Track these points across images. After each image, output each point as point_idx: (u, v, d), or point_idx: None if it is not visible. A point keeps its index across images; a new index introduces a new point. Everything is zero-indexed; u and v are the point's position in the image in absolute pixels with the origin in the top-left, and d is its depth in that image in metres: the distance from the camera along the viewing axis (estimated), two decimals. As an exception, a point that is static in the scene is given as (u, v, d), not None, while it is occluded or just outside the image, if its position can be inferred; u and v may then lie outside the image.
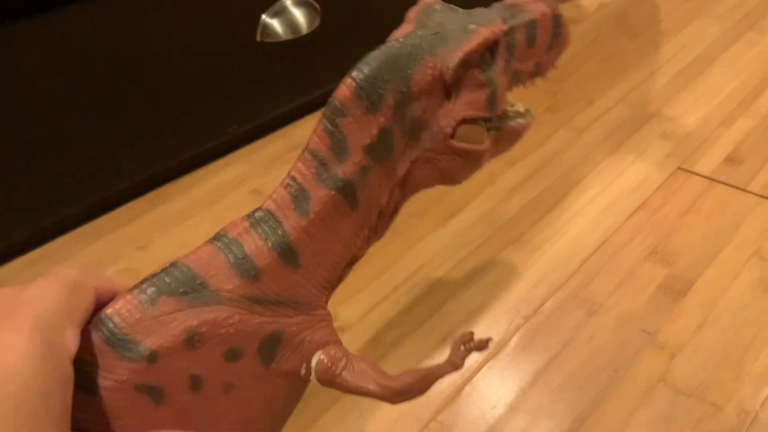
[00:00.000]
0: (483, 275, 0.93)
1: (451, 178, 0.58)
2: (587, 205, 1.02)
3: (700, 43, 1.37)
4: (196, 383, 0.47)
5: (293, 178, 0.51)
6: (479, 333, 0.85)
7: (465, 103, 0.54)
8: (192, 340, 0.46)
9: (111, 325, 0.45)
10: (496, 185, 1.07)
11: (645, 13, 1.48)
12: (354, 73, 0.50)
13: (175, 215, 1.08)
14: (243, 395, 0.50)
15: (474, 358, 0.82)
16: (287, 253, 0.49)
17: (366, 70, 0.50)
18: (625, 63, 1.33)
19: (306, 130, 1.23)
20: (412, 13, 0.57)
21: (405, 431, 0.76)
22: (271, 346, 0.50)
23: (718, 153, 1.09)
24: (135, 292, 0.46)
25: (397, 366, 0.82)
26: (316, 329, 0.52)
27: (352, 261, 0.56)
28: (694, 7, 1.48)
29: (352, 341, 0.85)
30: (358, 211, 0.52)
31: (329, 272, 0.53)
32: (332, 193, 0.50)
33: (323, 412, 0.78)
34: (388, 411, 0.78)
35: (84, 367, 0.44)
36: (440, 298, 0.90)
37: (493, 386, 0.79)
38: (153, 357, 0.45)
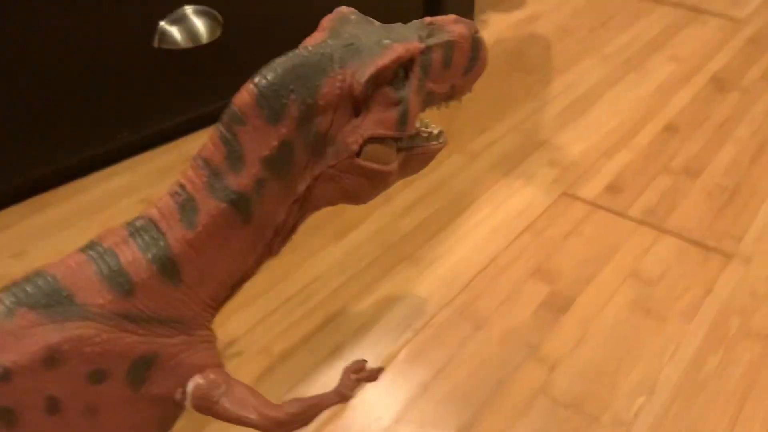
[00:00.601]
0: (375, 290, 0.93)
1: (355, 197, 0.55)
2: (477, 225, 1.05)
3: (587, 80, 1.45)
4: (54, 406, 0.43)
5: (182, 186, 0.47)
6: (369, 345, 0.85)
7: (374, 121, 0.51)
8: (52, 359, 0.42)
9: None
10: (390, 203, 1.08)
11: (538, 51, 1.56)
12: (256, 79, 0.47)
13: (55, 223, 1.03)
14: (107, 420, 0.46)
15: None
16: (168, 268, 0.46)
17: (270, 76, 0.47)
18: (518, 95, 1.39)
19: (201, 142, 1.20)
20: (326, 22, 0.54)
21: (288, 443, 0.74)
22: (142, 368, 0.46)
23: (600, 181, 1.15)
24: None
25: (285, 378, 0.81)
26: (196, 351, 0.49)
27: (242, 279, 0.52)
28: (584, 47, 1.57)
29: (240, 351, 0.83)
30: (251, 226, 0.48)
31: (215, 290, 0.49)
32: (223, 205, 0.46)
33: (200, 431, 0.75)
34: (272, 423, 0.76)
35: None
36: (332, 311, 0.90)
37: (380, 398, 0.79)
38: (6, 375, 0.41)
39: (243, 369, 0.82)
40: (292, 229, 0.53)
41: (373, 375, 0.58)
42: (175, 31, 1.09)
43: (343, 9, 0.55)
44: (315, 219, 1.01)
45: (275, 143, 0.47)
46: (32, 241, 1.00)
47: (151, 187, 1.11)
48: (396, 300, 0.92)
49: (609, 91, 1.42)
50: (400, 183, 1.12)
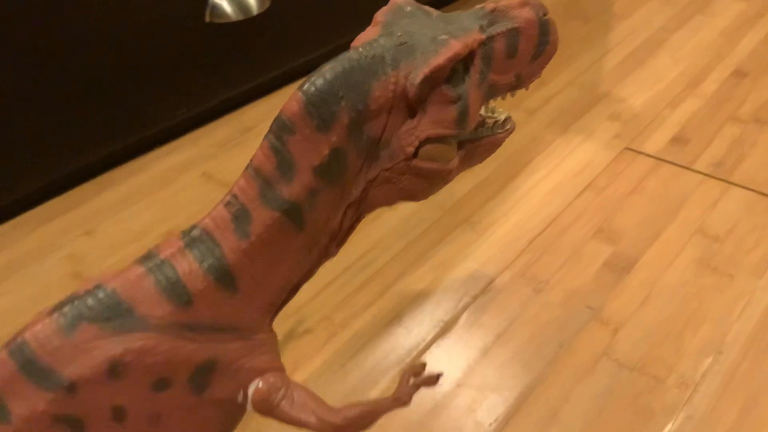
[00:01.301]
0: (432, 256, 0.93)
1: (414, 196, 0.53)
2: (535, 185, 1.03)
3: (649, 26, 1.39)
4: (120, 414, 0.45)
5: (234, 196, 0.46)
6: (429, 312, 0.86)
7: (431, 122, 0.49)
8: (115, 370, 0.44)
9: (28, 351, 0.42)
10: (446, 167, 1.07)
11: (596, -3, 1.50)
12: (305, 86, 0.45)
13: (122, 200, 1.06)
14: (172, 425, 0.47)
15: (422, 336, 0.83)
16: (224, 278, 0.46)
17: (318, 83, 0.45)
18: (575, 46, 1.35)
19: (258, 112, 1.22)
20: (380, 15, 0.51)
21: (353, 410, 0.76)
22: (204, 374, 0.47)
23: (664, 133, 1.11)
24: (55, 315, 0.43)
25: (347, 347, 0.82)
26: (256, 355, 0.50)
27: (300, 283, 0.52)
28: (644, -9, 1.50)
29: (303, 321, 0.85)
30: (305, 234, 0.48)
31: (272, 296, 0.50)
32: (276, 214, 0.46)
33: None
34: (336, 391, 0.78)
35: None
36: (390, 278, 0.90)
37: (440, 364, 0.80)
38: (72, 387, 0.43)
39: (306, 339, 0.84)
40: (348, 232, 0.53)
41: (432, 380, 0.58)
42: (225, 4, 1.09)
43: (399, 0, 0.51)
44: (371, 186, 1.01)
45: (326, 151, 0.46)
46: (101, 219, 1.03)
47: (212, 160, 1.13)
48: (454, 265, 0.92)
49: (672, 36, 1.36)
50: (455, 145, 1.11)
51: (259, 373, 0.50)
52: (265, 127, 1.21)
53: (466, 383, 0.78)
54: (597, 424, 0.73)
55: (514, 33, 0.50)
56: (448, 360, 0.81)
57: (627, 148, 1.09)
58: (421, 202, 1.01)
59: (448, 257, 0.93)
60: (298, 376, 0.79)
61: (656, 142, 1.10)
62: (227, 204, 0.47)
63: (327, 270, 0.92)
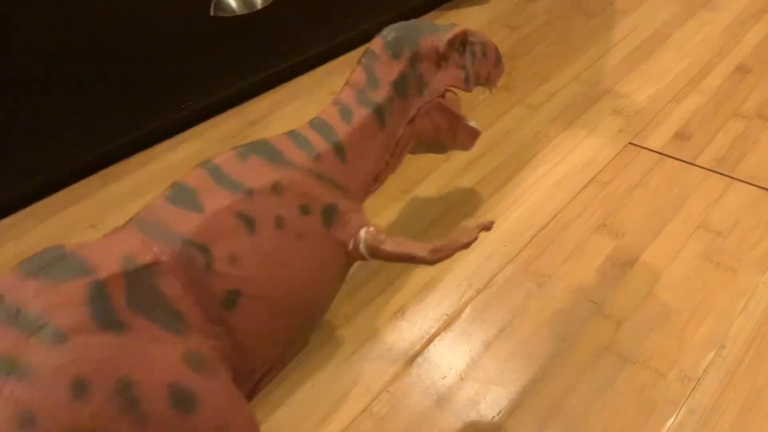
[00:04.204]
0: (436, 249, 0.93)
1: (437, 137, 0.81)
2: (539, 180, 1.04)
3: (653, 22, 1.39)
4: (281, 223, 0.61)
5: (339, 100, 0.72)
6: (432, 306, 0.86)
7: (450, 76, 0.80)
8: (277, 188, 0.61)
9: (216, 167, 0.60)
10: (450, 161, 1.08)
11: (601, -7, 1.50)
12: (384, 32, 0.75)
13: (128, 193, 1.07)
14: (310, 247, 0.63)
15: (425, 330, 0.83)
16: (338, 148, 0.68)
17: (393, 31, 0.75)
18: (579, 42, 1.35)
19: (263, 106, 1.22)
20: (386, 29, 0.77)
21: (357, 401, 0.76)
22: (330, 213, 0.66)
23: (668, 128, 1.12)
24: (233, 150, 0.62)
25: (349, 340, 0.83)
26: (360, 213, 0.70)
27: (378, 177, 0.75)
28: (649, -14, 1.50)
29: (305, 315, 0.86)
30: (384, 132, 0.73)
31: (364, 177, 0.71)
32: (368, 111, 0.71)
33: (274, 388, 0.78)
34: (339, 384, 0.78)
35: (194, 189, 0.58)
36: (393, 272, 0.91)
37: (444, 357, 0.81)
38: (250, 193, 0.59)
39: (310, 331, 0.84)
40: (403, 150, 0.77)
41: (488, 225, 0.69)
42: (230, -1, 1.10)
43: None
44: (375, 180, 1.01)
45: (397, 73, 0.74)
46: (107, 212, 1.04)
47: (217, 153, 1.13)
48: (458, 259, 0.92)
49: (676, 31, 1.36)
50: (459, 140, 1.11)
51: (364, 224, 0.69)
52: (271, 120, 1.22)
53: (470, 376, 0.78)
54: (599, 418, 0.73)
55: (484, 44, 0.84)
56: (451, 353, 0.81)
57: (630, 143, 1.09)
58: (425, 197, 1.01)
59: (451, 251, 0.93)
60: (303, 369, 0.80)
61: (660, 137, 1.10)
62: (335, 103, 0.71)
63: (331, 263, 0.92)
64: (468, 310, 0.86)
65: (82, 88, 1.03)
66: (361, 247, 0.68)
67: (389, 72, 0.73)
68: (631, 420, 0.73)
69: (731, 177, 1.01)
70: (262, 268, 0.59)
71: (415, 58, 0.75)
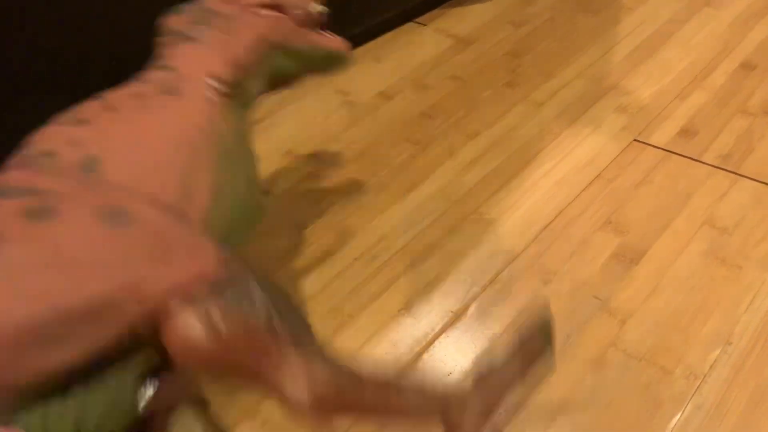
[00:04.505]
0: (440, 247, 0.93)
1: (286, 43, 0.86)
2: (543, 177, 1.03)
3: (657, 19, 1.39)
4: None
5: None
6: (437, 302, 0.86)
7: None
8: None
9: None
10: (454, 158, 1.07)
11: (604, -10, 1.50)
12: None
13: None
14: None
15: (431, 327, 0.83)
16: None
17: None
18: (583, 39, 1.35)
19: (264, 105, 1.22)
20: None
21: (362, 399, 0.76)
22: None
23: (672, 125, 1.11)
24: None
25: (355, 336, 0.83)
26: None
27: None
28: (652, -17, 1.50)
29: (312, 312, 0.86)
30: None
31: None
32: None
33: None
34: (345, 380, 0.78)
35: None
36: (398, 269, 0.91)
37: (449, 354, 0.81)
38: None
39: (315, 328, 0.84)
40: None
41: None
42: (233, -4, 1.09)
43: None
44: (380, 178, 1.01)
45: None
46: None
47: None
48: (462, 256, 0.92)
49: (681, 28, 1.35)
50: (462, 136, 1.11)
51: None
52: (274, 120, 1.21)
53: (475, 373, 0.78)
54: (605, 414, 0.73)
55: None
56: (457, 349, 0.81)
57: (635, 140, 1.09)
58: (429, 194, 1.01)
59: (456, 248, 0.93)
60: (308, 366, 0.80)
61: (664, 134, 1.10)
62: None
63: (335, 261, 0.92)
64: (473, 307, 0.86)
65: (82, 88, 1.03)
66: None
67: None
68: (637, 416, 0.73)
69: (736, 173, 1.01)
70: None
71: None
